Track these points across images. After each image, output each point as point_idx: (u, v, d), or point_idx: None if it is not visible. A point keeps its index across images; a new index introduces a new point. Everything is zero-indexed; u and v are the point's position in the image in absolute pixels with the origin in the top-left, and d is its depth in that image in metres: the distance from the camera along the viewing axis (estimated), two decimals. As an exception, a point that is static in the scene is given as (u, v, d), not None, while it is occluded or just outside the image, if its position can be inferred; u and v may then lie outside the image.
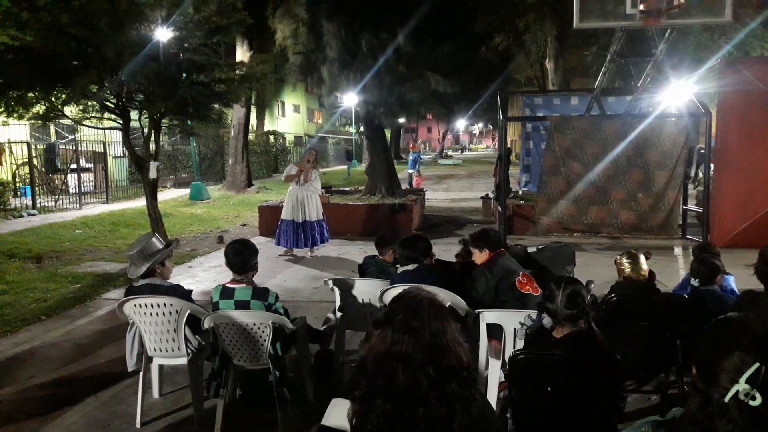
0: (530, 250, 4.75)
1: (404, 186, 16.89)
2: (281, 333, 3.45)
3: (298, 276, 7.55)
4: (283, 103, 40.52)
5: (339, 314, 4.24)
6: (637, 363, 3.58)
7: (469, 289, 3.80)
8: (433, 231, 11.03)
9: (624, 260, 3.88)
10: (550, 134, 9.33)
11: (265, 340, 3.38)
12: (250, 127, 21.76)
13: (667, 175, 9.02)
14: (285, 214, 8.49)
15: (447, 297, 3.39)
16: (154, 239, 3.74)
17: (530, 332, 2.87)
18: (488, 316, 3.45)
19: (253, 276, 3.61)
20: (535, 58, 19.05)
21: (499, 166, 11.10)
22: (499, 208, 10.48)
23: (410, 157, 18.66)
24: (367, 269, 4.37)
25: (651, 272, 3.95)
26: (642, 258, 3.87)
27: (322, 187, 11.35)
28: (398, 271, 3.94)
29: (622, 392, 2.48)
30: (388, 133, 39.58)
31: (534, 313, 2.99)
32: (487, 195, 13.34)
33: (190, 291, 3.74)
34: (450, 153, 64.38)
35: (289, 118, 41.62)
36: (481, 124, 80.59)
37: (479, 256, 3.96)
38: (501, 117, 10.47)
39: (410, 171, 18.22)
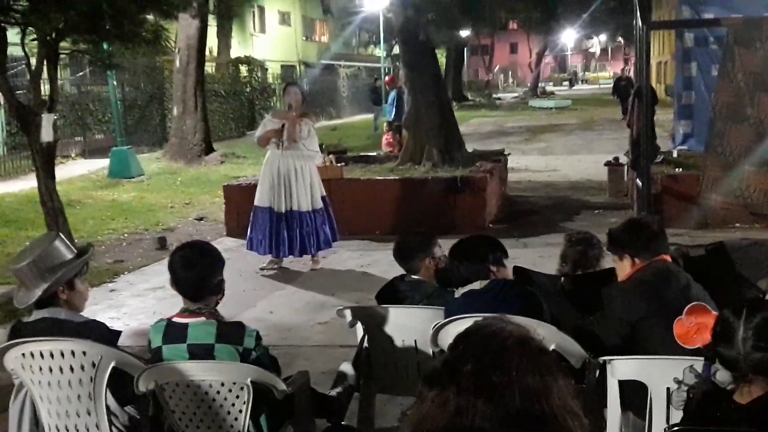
0: (694, 254, 4.69)
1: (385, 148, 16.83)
2: (268, 399, 3.50)
3: (294, 303, 7.61)
4: (261, 10, 40.86)
5: (362, 366, 4.28)
6: None
7: (589, 322, 3.79)
8: (523, 224, 10.96)
9: None
10: (728, 50, 9.13)
11: (240, 411, 3.43)
12: (207, 53, 21.98)
13: None
14: (259, 198, 8.57)
15: (550, 335, 3.37)
16: (57, 243, 3.82)
17: (695, 395, 2.84)
18: (622, 368, 3.44)
19: (218, 303, 3.68)
20: None
21: (637, 109, 10.92)
22: (638, 182, 10.34)
23: (389, 98, 18.88)
24: (401, 297, 4.39)
25: None
26: None
27: (326, 151, 11.30)
28: (456, 294, 3.94)
29: None
30: (441, 57, 39.09)
31: (700, 364, 2.95)
32: (616, 160, 13.18)
33: (117, 332, 3.82)
34: (550, 88, 63.79)
35: (274, 35, 41.94)
36: (603, 38, 79.31)
37: (621, 268, 3.95)
38: (639, 22, 10.27)
39: (387, 120, 18.43)
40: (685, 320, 3.54)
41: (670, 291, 3.75)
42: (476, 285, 3.87)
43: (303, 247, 8.54)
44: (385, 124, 18.97)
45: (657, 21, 12.77)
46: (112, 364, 3.58)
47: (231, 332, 3.53)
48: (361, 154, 14.72)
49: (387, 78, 20.18)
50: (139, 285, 8.50)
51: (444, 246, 4.63)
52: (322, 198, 8.69)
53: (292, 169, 8.41)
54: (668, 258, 3.95)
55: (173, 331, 3.55)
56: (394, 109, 18.22)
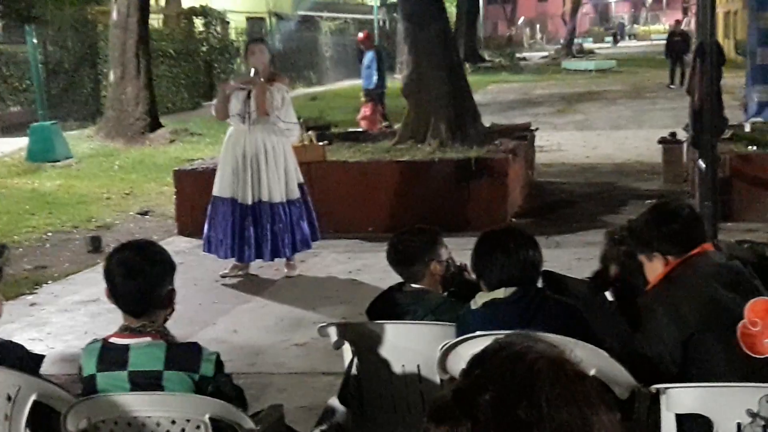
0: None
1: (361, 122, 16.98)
2: (230, 440, 3.50)
3: (264, 320, 7.62)
4: (221, -54, 40.73)
5: (351, 399, 4.28)
6: None
7: (634, 339, 3.81)
8: (555, 218, 10.99)
9: None
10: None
11: (195, 457, 3.44)
12: (152, 3, 21.93)
13: None
14: (219, 187, 8.55)
15: (590, 357, 3.37)
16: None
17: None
18: (679, 399, 3.44)
19: (167, 319, 3.69)
20: None
21: (700, 72, 10.93)
22: (700, 164, 10.35)
23: (364, 61, 18.95)
24: (399, 311, 4.40)
25: None
26: None
27: (305, 127, 11.26)
28: (474, 305, 3.97)
29: None
30: (451, 7, 38.84)
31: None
32: (673, 136, 13.20)
33: (40, 357, 3.81)
34: (589, 45, 63.77)
35: (236, -22, 41.84)
36: (656, -20, 79.51)
37: (652, 270, 3.96)
38: (701, -39, 10.28)
39: (367, 87, 18.56)
40: (749, 323, 3.55)
41: (723, 289, 3.75)
42: (499, 293, 3.86)
43: (275, 248, 8.53)
44: (362, 94, 18.96)
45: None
46: (33, 397, 3.58)
47: (184, 356, 3.54)
48: (349, 130, 14.68)
49: (361, 35, 20.08)
50: (67, 297, 8.49)
51: (455, 246, 4.64)
52: (300, 186, 8.69)
53: (261, 149, 8.38)
54: (709, 247, 3.94)
55: (111, 355, 3.55)
56: (375, 74, 18.27)
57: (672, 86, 28.04)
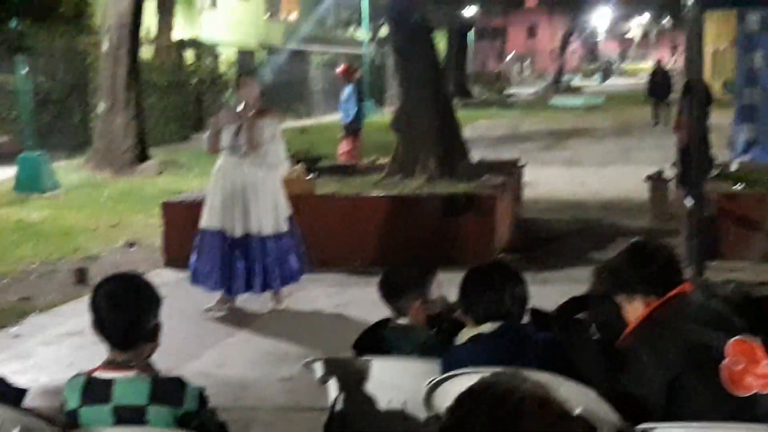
0: (759, 294, 4.69)
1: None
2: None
3: (249, 354, 7.59)
4: (212, -21, 40.88)
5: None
6: None
7: (618, 380, 3.80)
8: (541, 254, 10.98)
9: None
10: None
11: (179, 493, 3.41)
12: (143, 34, 21.97)
13: None
14: (208, 218, 8.53)
15: (575, 396, 3.36)
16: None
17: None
18: (665, 440, 3.43)
19: (151, 353, 3.67)
20: None
21: (687, 111, 10.99)
22: (687, 201, 10.39)
23: (343, 95, 18.82)
24: (386, 346, 4.38)
25: None
26: None
27: (295, 159, 11.25)
28: (458, 341, 3.96)
29: None
30: (440, 42, 39.14)
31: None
32: (659, 174, 13.25)
33: (23, 390, 3.79)
34: (577, 82, 64.17)
35: (228, 11, 41.98)
36: (645, 17, 79.93)
37: (631, 310, 3.95)
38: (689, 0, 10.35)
39: (345, 122, 18.51)
40: (731, 363, 3.55)
41: (705, 329, 3.75)
42: (485, 328, 3.86)
43: (265, 280, 8.51)
44: (342, 129, 18.89)
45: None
46: (16, 431, 3.56)
47: (168, 391, 3.51)
48: (338, 163, 14.71)
49: (341, 68, 19.79)
50: (52, 329, 8.44)
51: (442, 282, 4.62)
52: (288, 219, 8.69)
53: (250, 182, 8.38)
54: (688, 287, 3.95)
55: (95, 389, 3.52)
56: (355, 108, 18.19)
57: (656, 124, 28.23)
